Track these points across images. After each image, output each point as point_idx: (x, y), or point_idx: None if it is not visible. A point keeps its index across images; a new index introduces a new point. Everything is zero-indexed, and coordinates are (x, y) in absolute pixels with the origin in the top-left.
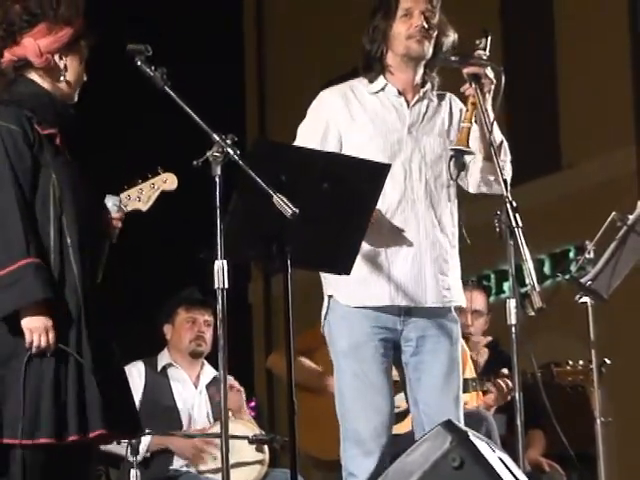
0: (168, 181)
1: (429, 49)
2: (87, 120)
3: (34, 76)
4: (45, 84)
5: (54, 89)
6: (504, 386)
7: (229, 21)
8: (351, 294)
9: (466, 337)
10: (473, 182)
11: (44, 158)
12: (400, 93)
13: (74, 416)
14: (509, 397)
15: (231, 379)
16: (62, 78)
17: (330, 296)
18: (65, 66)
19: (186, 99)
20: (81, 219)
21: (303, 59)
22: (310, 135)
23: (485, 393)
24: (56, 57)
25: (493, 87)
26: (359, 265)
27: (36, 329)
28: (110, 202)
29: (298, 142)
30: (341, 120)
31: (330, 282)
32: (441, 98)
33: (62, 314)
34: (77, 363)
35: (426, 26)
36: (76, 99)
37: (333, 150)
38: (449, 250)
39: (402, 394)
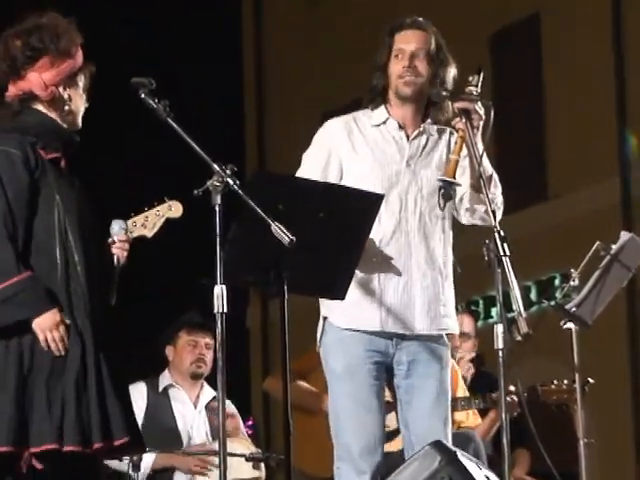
0: (173, 209)
1: (419, 88)
2: (92, 149)
3: (39, 107)
4: (51, 114)
5: (59, 118)
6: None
7: (229, 53)
8: (344, 316)
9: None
10: (465, 214)
11: (47, 180)
12: (401, 127)
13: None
14: (515, 413)
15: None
16: (67, 108)
17: (325, 317)
18: (69, 96)
19: (188, 130)
20: (86, 237)
21: (301, 92)
22: (313, 163)
23: (480, 411)
24: (60, 89)
25: (482, 122)
26: (352, 289)
27: (46, 327)
28: (117, 226)
29: (302, 169)
30: (343, 150)
31: (325, 304)
32: (441, 132)
33: (71, 327)
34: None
35: (416, 66)
36: (80, 125)
37: (334, 178)
38: (440, 280)
39: (392, 414)
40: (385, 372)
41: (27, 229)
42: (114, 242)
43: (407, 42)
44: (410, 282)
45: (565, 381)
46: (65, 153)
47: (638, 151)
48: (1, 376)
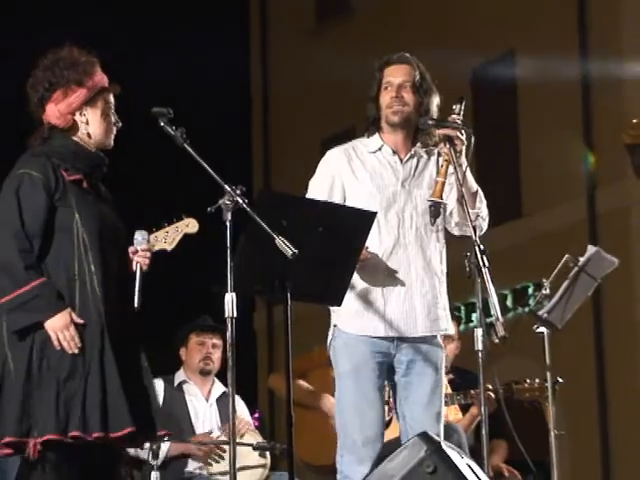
0: (190, 225)
1: (406, 116)
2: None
3: (65, 133)
4: (75, 138)
5: (83, 141)
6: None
7: (239, 87)
8: (352, 324)
9: None
10: (455, 227)
11: (68, 199)
12: (394, 152)
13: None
14: (492, 409)
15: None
16: (85, 131)
17: (335, 325)
18: (87, 120)
19: (202, 154)
20: (106, 250)
21: (302, 121)
22: (319, 188)
23: (461, 407)
24: (76, 115)
25: (464, 147)
26: (359, 300)
27: (58, 328)
28: (140, 236)
29: (309, 194)
30: (345, 175)
31: (336, 314)
32: (429, 153)
33: (86, 331)
34: (102, 370)
35: (403, 96)
36: (111, 144)
37: (338, 201)
38: (437, 285)
39: (385, 407)
40: (386, 370)
41: (45, 244)
42: (136, 251)
43: (394, 75)
44: (410, 291)
45: (537, 380)
46: (91, 173)
47: (595, 166)
48: (36, 376)
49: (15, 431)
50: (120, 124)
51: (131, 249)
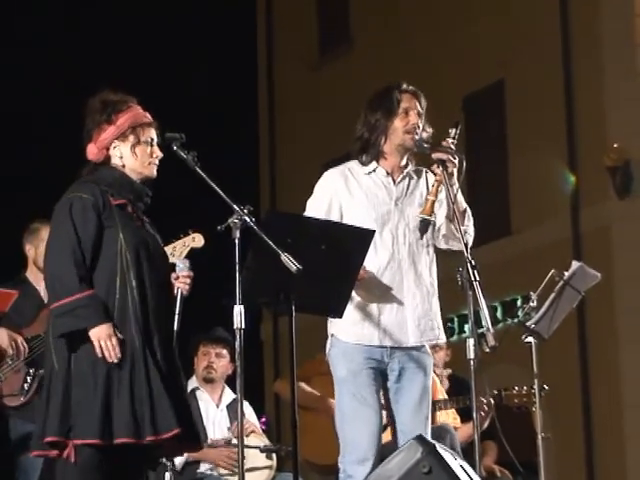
0: (196, 239)
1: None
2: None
3: (110, 165)
4: (119, 169)
5: (124, 172)
6: (487, 408)
7: (247, 114)
8: (349, 333)
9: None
10: (442, 240)
11: (113, 221)
12: (388, 173)
13: (149, 419)
14: (486, 424)
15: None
16: (120, 163)
17: (332, 335)
18: (121, 153)
19: (212, 176)
20: (146, 270)
21: (305, 146)
22: (317, 208)
23: (458, 411)
24: (111, 150)
25: (456, 169)
26: (356, 311)
27: (101, 337)
28: (182, 264)
29: (308, 212)
30: (342, 196)
31: (333, 324)
32: (418, 173)
33: (124, 344)
34: (147, 374)
35: (420, 124)
36: (153, 174)
37: (336, 219)
38: (427, 298)
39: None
40: (380, 376)
41: (94, 258)
42: (178, 277)
43: (414, 104)
44: (403, 304)
45: (525, 387)
46: (135, 200)
47: (578, 187)
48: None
49: (56, 431)
50: (160, 155)
51: (173, 275)
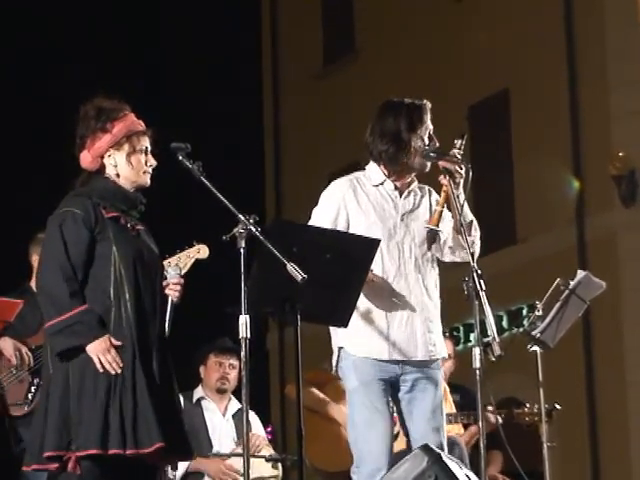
0: (201, 251)
1: None
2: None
3: (104, 175)
4: (111, 179)
5: (118, 181)
6: (492, 419)
7: (253, 123)
8: (358, 347)
9: None
10: (447, 252)
11: (106, 234)
12: (396, 187)
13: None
14: (490, 428)
15: (255, 421)
16: (114, 172)
17: (341, 347)
18: (115, 160)
19: (217, 186)
20: (140, 281)
21: (311, 155)
22: (324, 217)
23: (465, 426)
24: (105, 158)
25: (462, 179)
26: (364, 324)
27: (99, 352)
28: (173, 271)
29: (314, 221)
30: (350, 206)
31: (341, 337)
32: (422, 191)
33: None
34: (133, 387)
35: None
36: (147, 183)
37: (342, 229)
38: (433, 311)
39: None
40: (391, 387)
41: (86, 273)
42: (168, 285)
43: (428, 123)
44: (411, 317)
45: (536, 405)
46: (129, 209)
47: (583, 195)
48: (76, 394)
49: (56, 445)
50: (154, 164)
51: (164, 283)
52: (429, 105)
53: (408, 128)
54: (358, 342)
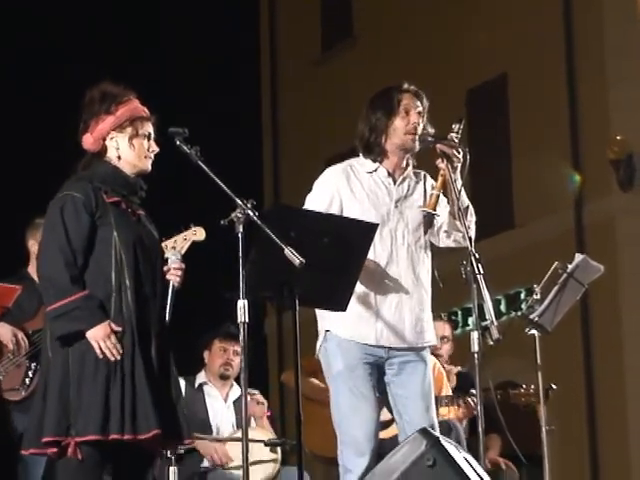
0: (197, 233)
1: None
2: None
3: (106, 159)
4: (113, 163)
5: (120, 165)
6: (472, 404)
7: (250, 110)
8: (346, 329)
9: (436, 355)
10: (443, 236)
11: (107, 219)
12: (389, 174)
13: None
14: (474, 412)
15: (257, 393)
16: (116, 154)
17: (327, 330)
18: (117, 143)
19: (215, 171)
20: (141, 267)
21: (308, 141)
22: (317, 204)
23: (458, 407)
24: (107, 140)
25: (460, 164)
26: (353, 308)
27: (99, 338)
28: (173, 256)
29: (307, 207)
30: (343, 193)
31: (327, 319)
32: (417, 176)
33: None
34: (132, 373)
35: (420, 124)
36: (148, 168)
37: None
38: (424, 299)
39: (384, 408)
40: (377, 372)
41: (87, 258)
42: (169, 270)
43: (415, 104)
44: (401, 303)
45: (532, 386)
46: (130, 195)
47: (581, 186)
48: (75, 380)
49: (55, 430)
50: (156, 150)
51: (165, 268)
52: (414, 88)
53: (386, 112)
54: (346, 325)
